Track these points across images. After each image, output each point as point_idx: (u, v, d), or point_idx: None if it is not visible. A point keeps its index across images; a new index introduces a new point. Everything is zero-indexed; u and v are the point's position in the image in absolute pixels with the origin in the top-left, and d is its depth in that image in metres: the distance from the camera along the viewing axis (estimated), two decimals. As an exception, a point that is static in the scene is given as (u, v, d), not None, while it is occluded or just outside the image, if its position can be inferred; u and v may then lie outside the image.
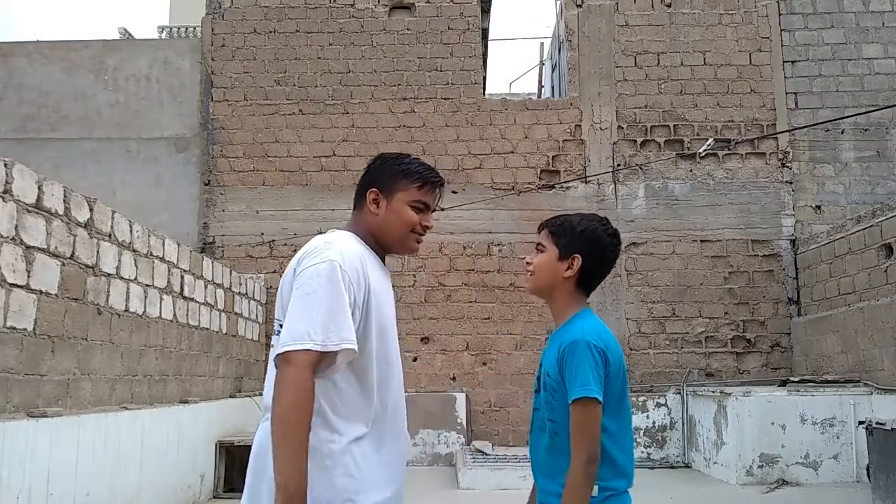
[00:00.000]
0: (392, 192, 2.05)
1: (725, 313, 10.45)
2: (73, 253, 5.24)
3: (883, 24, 11.04)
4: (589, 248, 2.05)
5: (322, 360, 1.81)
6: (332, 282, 1.85)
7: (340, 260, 1.88)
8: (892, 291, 8.09)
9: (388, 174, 2.07)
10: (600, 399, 1.89)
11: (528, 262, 2.15)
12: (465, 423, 9.86)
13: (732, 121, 10.87)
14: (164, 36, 19.95)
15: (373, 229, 2.07)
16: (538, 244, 2.13)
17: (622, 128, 10.90)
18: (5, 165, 4.50)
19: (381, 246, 2.09)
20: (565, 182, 10.77)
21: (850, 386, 8.33)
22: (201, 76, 11.14)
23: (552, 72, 14.46)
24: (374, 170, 2.11)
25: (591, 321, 2.02)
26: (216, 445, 7.45)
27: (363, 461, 1.89)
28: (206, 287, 8.00)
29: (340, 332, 1.82)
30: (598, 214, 2.16)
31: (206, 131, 11.00)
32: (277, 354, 1.80)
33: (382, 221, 2.06)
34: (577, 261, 2.05)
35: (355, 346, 1.85)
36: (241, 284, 9.32)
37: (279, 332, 1.96)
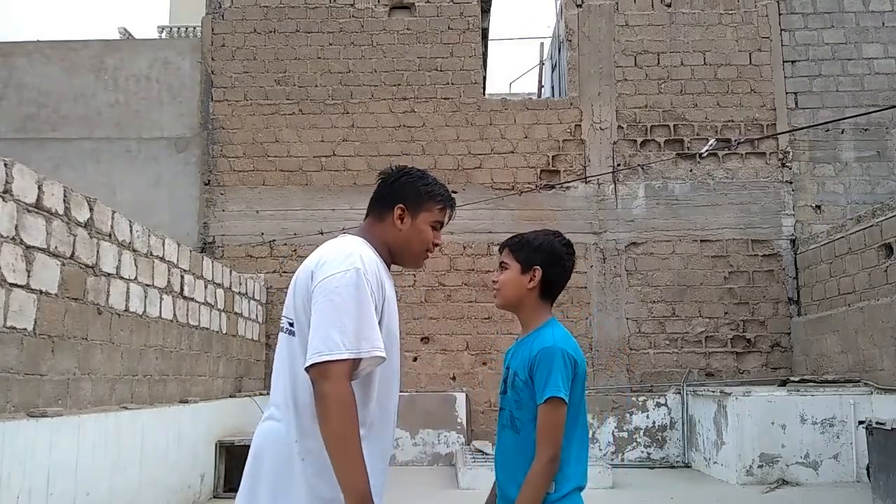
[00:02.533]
0: (418, 212, 2.14)
1: (725, 313, 10.45)
2: (73, 253, 5.24)
3: (883, 24, 11.03)
4: (546, 259, 2.24)
5: (353, 368, 1.87)
6: (359, 290, 1.90)
7: (363, 267, 1.94)
8: (892, 291, 8.08)
9: (414, 193, 2.15)
10: (566, 400, 2.05)
11: (494, 280, 2.33)
12: (465, 422, 9.85)
13: (732, 121, 10.87)
14: (164, 36, 19.95)
15: (391, 242, 2.14)
16: (502, 262, 2.31)
17: (622, 128, 10.90)
18: (5, 165, 4.50)
19: (393, 258, 2.17)
20: (565, 182, 10.77)
21: (850, 386, 8.33)
22: (201, 76, 11.14)
23: (552, 72, 14.46)
24: (400, 186, 2.17)
25: (561, 330, 2.21)
26: (216, 445, 7.46)
27: (372, 468, 1.91)
28: (206, 287, 8.00)
29: (372, 340, 1.88)
30: (551, 228, 2.38)
31: (206, 131, 11.00)
32: (314, 364, 1.83)
33: (405, 237, 2.14)
34: (538, 272, 2.23)
35: (384, 354, 1.91)
36: (241, 284, 9.32)
37: (288, 330, 2.01)
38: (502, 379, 2.27)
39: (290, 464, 1.91)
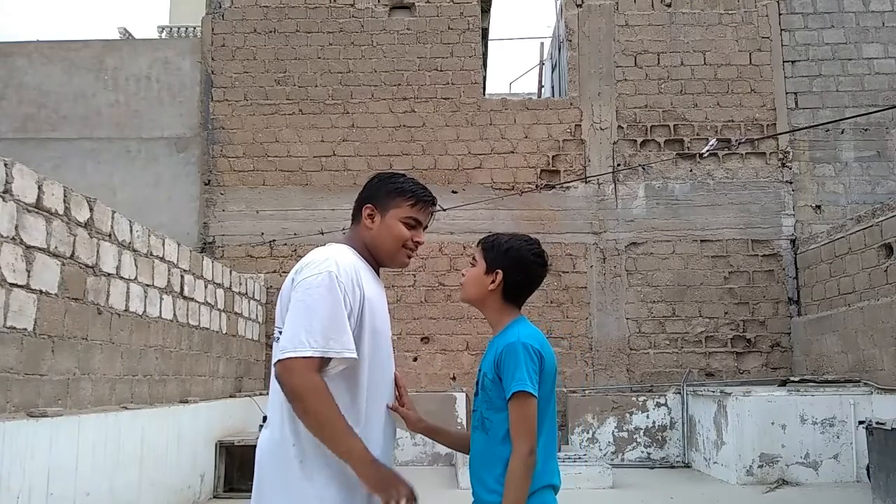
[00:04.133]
0: (386, 209, 2.16)
1: (725, 313, 10.45)
2: (73, 253, 5.24)
3: (883, 23, 11.04)
4: (511, 265, 2.19)
5: (320, 366, 1.90)
6: (330, 291, 1.93)
7: (337, 270, 1.97)
8: (892, 291, 8.08)
9: (383, 192, 2.18)
10: (535, 394, 2.02)
11: (463, 273, 2.31)
12: (465, 422, 9.85)
13: (732, 121, 10.87)
14: (164, 36, 19.95)
15: (367, 243, 2.17)
16: (473, 257, 2.28)
17: (622, 128, 10.90)
18: (5, 165, 4.50)
19: (374, 259, 2.19)
20: (565, 182, 10.76)
21: (850, 386, 8.33)
22: (201, 76, 11.13)
23: (552, 72, 14.46)
24: (370, 187, 2.22)
25: (527, 327, 2.16)
26: (216, 445, 7.45)
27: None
28: (206, 287, 7.99)
29: (341, 340, 1.91)
30: (531, 236, 2.29)
31: (206, 131, 11.00)
32: (278, 361, 1.88)
33: (376, 235, 2.16)
34: (499, 276, 2.19)
35: (355, 354, 1.94)
36: (241, 284, 9.32)
37: (278, 339, 2.04)
38: (476, 381, 2.27)
39: (289, 467, 1.95)
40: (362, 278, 2.06)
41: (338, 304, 1.93)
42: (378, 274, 2.21)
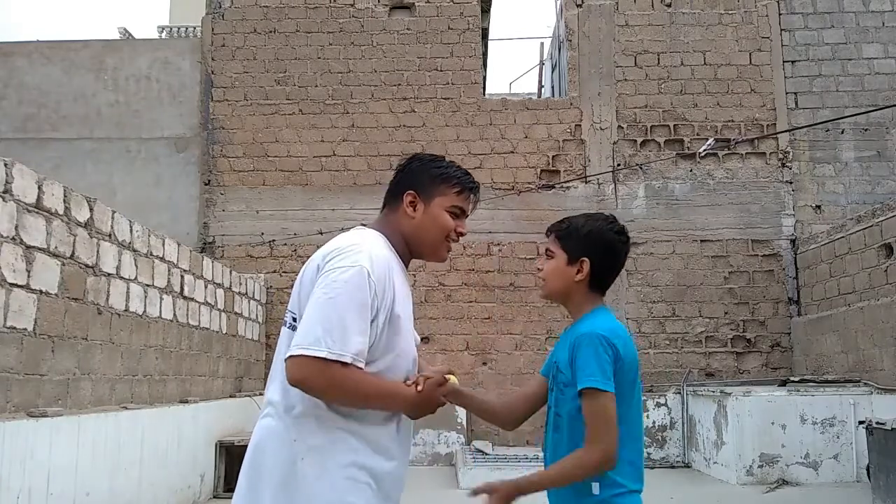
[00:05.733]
0: (431, 196, 2.00)
1: (725, 313, 10.45)
2: (73, 253, 5.24)
3: (883, 23, 11.03)
4: (596, 250, 2.02)
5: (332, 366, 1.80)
6: (358, 289, 1.79)
7: (370, 266, 1.82)
8: (892, 291, 8.08)
9: (426, 177, 2.01)
10: (603, 389, 1.84)
11: (538, 269, 2.14)
12: (465, 423, 9.85)
13: (732, 121, 10.87)
14: (164, 36, 19.97)
15: (405, 233, 2.02)
16: (547, 249, 2.10)
17: (622, 128, 10.90)
18: (5, 165, 4.50)
19: (410, 250, 2.04)
20: (565, 182, 10.76)
21: (850, 386, 8.33)
22: (201, 76, 11.13)
23: (552, 72, 14.46)
24: (411, 171, 2.05)
25: (604, 318, 1.99)
26: (216, 445, 7.46)
27: (375, 465, 1.88)
28: (206, 287, 7.99)
29: (354, 343, 1.78)
30: (603, 212, 2.12)
31: (206, 131, 11.00)
32: (291, 356, 1.77)
33: (418, 225, 2.00)
34: (586, 264, 2.02)
35: (363, 364, 1.82)
36: (241, 284, 9.32)
37: (291, 325, 1.92)
38: (551, 375, 2.07)
39: (292, 464, 1.84)
40: (394, 274, 1.91)
41: (363, 303, 1.78)
42: (407, 266, 2.05)
